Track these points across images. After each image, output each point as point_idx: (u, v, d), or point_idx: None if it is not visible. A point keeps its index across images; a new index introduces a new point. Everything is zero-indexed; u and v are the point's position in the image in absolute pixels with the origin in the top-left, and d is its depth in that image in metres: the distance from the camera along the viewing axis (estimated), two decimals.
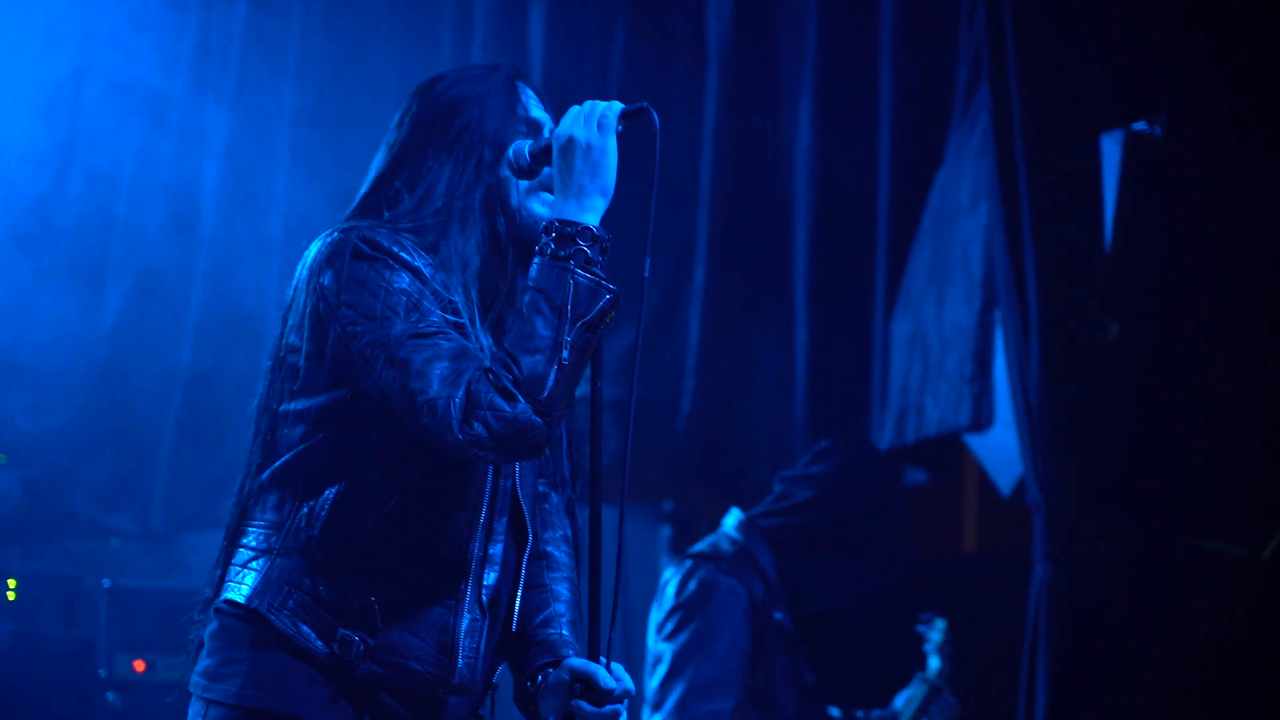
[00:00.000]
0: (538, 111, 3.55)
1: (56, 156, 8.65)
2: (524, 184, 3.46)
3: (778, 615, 5.46)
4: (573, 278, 3.24)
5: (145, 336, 8.63)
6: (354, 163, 8.11)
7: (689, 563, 5.53)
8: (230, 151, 8.58)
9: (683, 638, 5.38)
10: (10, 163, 8.45)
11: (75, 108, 8.60)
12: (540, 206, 3.45)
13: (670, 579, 5.52)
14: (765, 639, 5.42)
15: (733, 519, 5.63)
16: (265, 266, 8.52)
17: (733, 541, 5.54)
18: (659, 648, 5.44)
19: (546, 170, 3.45)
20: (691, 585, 5.44)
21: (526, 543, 3.51)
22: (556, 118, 3.49)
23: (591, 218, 3.29)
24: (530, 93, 3.58)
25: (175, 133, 8.65)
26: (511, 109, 3.51)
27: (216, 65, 8.73)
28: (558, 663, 3.52)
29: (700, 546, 5.62)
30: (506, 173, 3.45)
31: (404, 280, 3.29)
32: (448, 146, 3.47)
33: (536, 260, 3.27)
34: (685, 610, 5.41)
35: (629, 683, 3.45)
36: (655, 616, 5.55)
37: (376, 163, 3.57)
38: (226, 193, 8.56)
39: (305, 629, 3.32)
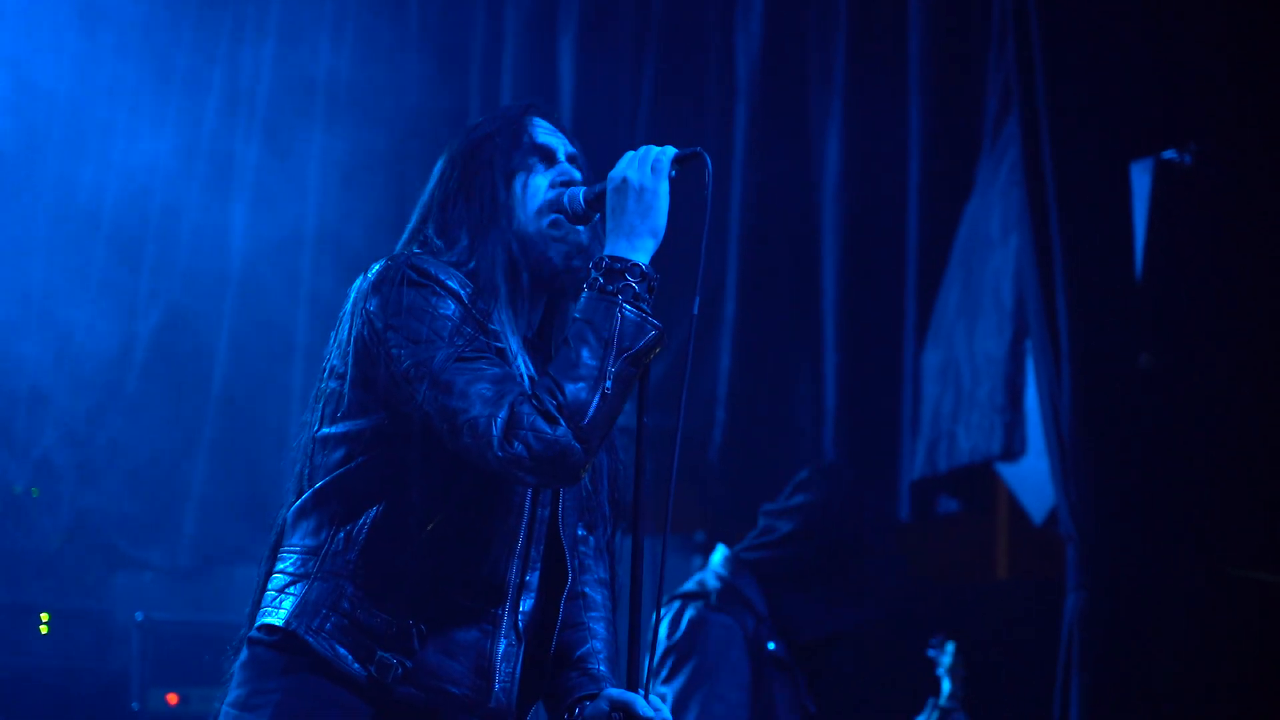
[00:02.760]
0: (546, 137, 3.63)
1: (86, 196, 8.73)
2: (531, 211, 3.53)
3: (771, 646, 5.46)
4: (620, 311, 3.30)
5: (175, 371, 8.67)
6: (383, 199, 8.22)
7: (676, 603, 5.54)
8: (260, 187, 8.62)
9: (681, 679, 5.38)
10: (44, 202, 8.51)
11: (105, 141, 8.67)
12: (551, 228, 3.52)
13: (659, 621, 5.52)
14: (762, 671, 5.42)
15: (719, 555, 5.62)
16: (295, 302, 8.56)
17: (719, 578, 5.53)
18: (658, 692, 5.44)
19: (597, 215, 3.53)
20: (682, 625, 5.44)
21: (565, 581, 3.55)
22: (587, 149, 3.64)
23: (641, 256, 3.36)
24: (542, 122, 3.66)
25: (204, 168, 8.71)
26: (517, 141, 3.59)
27: (245, 105, 8.79)
28: (596, 695, 3.55)
29: (688, 586, 5.62)
30: (515, 205, 3.53)
31: (449, 307, 3.35)
32: (469, 186, 3.57)
33: (585, 293, 3.34)
34: (679, 651, 5.41)
35: (666, 713, 3.48)
36: (648, 661, 5.52)
37: (421, 201, 3.67)
38: (256, 229, 8.60)
39: (343, 651, 3.35)
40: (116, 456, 8.55)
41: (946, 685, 6.15)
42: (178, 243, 8.70)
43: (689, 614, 5.43)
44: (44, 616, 7.66)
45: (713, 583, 5.51)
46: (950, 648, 6.16)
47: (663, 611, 5.52)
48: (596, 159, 3.69)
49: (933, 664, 6.21)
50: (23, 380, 8.29)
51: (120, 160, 8.66)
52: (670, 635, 5.45)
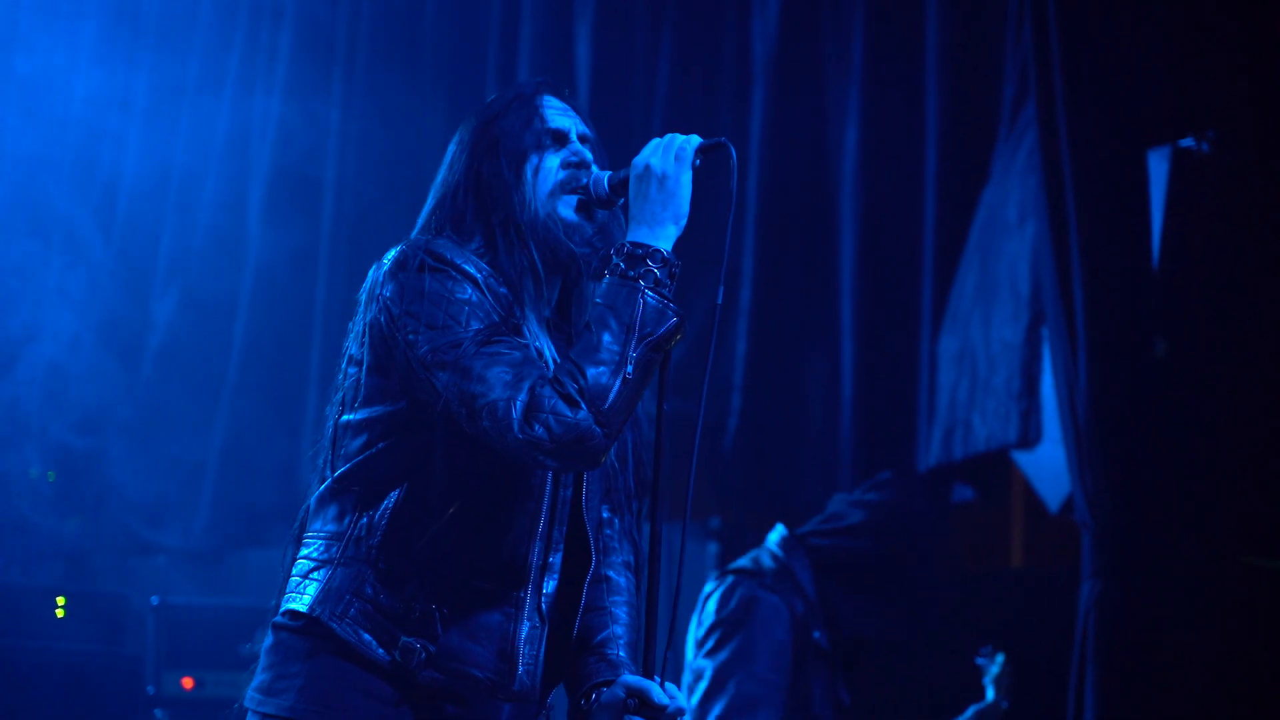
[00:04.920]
0: (560, 120, 3.63)
1: (103, 175, 8.73)
2: (543, 194, 3.54)
3: (815, 634, 5.46)
4: (642, 297, 3.32)
5: (190, 354, 8.68)
6: (398, 183, 8.22)
7: (730, 578, 5.53)
8: (277, 169, 8.62)
9: (724, 654, 5.38)
10: (59, 181, 8.52)
11: (122, 123, 8.67)
12: (565, 210, 3.54)
13: (711, 594, 5.52)
14: (804, 657, 5.43)
15: (776, 535, 5.63)
16: (311, 285, 8.56)
17: (774, 558, 5.54)
18: (699, 664, 5.44)
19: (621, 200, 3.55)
20: (733, 601, 5.44)
21: (589, 564, 3.55)
22: (603, 134, 3.66)
23: (664, 243, 3.38)
24: (554, 102, 3.67)
25: (220, 150, 8.71)
26: (528, 123, 3.60)
27: (262, 85, 8.79)
28: (613, 681, 3.55)
29: (742, 562, 5.62)
30: (526, 189, 3.53)
31: (466, 290, 3.37)
32: (478, 172, 3.58)
33: (607, 278, 3.36)
34: (726, 626, 5.41)
35: (682, 701, 3.49)
36: (695, 632, 5.55)
37: (434, 185, 3.67)
38: (273, 211, 8.60)
39: (367, 637, 3.38)
40: (133, 440, 8.55)
41: (990, 694, 6.16)
42: (194, 225, 8.71)
43: (741, 591, 5.44)
44: (60, 600, 7.66)
45: (768, 562, 5.53)
46: (1000, 658, 6.17)
47: (713, 585, 5.53)
48: (613, 144, 3.70)
49: (966, 660, 6.22)
50: (39, 363, 8.29)
51: (135, 142, 8.67)
52: (720, 610, 5.46)
